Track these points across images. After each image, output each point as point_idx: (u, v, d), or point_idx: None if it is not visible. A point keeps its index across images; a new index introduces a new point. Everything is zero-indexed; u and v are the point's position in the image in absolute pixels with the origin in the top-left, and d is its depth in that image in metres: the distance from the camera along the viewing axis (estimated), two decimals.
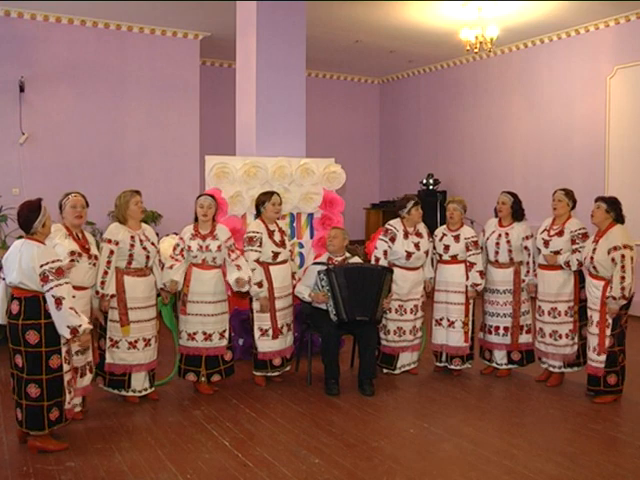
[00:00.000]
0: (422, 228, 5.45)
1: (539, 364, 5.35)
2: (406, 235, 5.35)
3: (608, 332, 4.69)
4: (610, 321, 4.68)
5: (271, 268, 5.13)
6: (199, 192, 7.06)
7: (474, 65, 10.15)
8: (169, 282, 4.81)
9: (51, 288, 3.69)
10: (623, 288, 4.55)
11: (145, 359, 4.73)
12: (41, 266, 3.69)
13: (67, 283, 3.78)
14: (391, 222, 5.46)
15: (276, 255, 5.14)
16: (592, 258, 4.70)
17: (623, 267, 4.56)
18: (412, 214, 5.36)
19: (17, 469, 3.68)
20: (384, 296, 5.03)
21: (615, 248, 4.59)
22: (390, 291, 5.13)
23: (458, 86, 10.45)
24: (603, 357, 4.72)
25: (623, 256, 4.56)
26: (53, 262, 3.73)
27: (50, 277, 3.69)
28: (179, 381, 5.14)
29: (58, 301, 3.70)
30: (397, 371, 5.48)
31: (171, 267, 4.84)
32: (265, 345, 5.16)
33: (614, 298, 4.58)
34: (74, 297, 3.82)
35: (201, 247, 4.87)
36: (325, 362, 5.03)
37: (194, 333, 4.92)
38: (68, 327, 3.72)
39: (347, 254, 5.39)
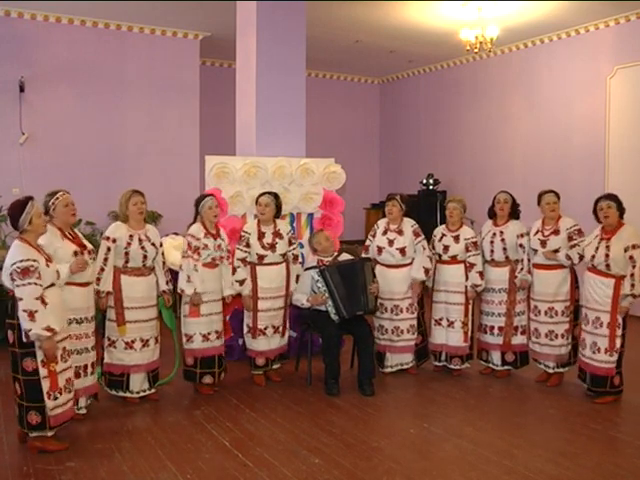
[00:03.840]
0: (407, 226, 5.39)
1: (535, 365, 5.35)
2: (385, 231, 5.41)
3: (619, 332, 4.69)
4: (620, 320, 4.68)
5: (258, 268, 5.15)
6: (199, 192, 7.06)
7: (474, 65, 10.15)
8: (197, 296, 4.81)
9: (16, 287, 3.67)
10: None
11: (143, 360, 4.71)
12: (11, 265, 3.68)
13: (32, 284, 3.66)
14: (380, 220, 5.61)
15: (261, 257, 5.14)
16: (607, 255, 4.67)
17: None
18: (386, 210, 5.44)
19: (17, 469, 3.68)
20: (369, 284, 5.10)
21: (634, 246, 4.61)
22: (374, 276, 5.21)
23: (458, 86, 10.45)
24: (615, 357, 4.71)
25: None
26: (21, 262, 3.67)
27: (14, 276, 3.66)
28: (179, 381, 5.14)
29: (17, 302, 3.68)
30: (386, 370, 5.48)
31: (195, 267, 4.81)
32: (248, 342, 5.24)
33: (634, 296, 4.60)
34: (38, 299, 3.67)
35: (215, 246, 4.90)
36: (326, 362, 5.04)
37: (208, 333, 4.93)
38: (24, 330, 3.68)
39: (335, 253, 5.41)
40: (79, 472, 3.65)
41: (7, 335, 3.83)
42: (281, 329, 5.30)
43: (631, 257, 4.60)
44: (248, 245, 5.12)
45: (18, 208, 3.78)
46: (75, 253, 4.15)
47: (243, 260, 5.12)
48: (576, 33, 8.51)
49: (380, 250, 5.39)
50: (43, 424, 3.82)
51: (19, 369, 3.79)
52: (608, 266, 4.69)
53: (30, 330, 3.66)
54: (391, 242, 5.36)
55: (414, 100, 11.39)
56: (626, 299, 4.63)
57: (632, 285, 4.60)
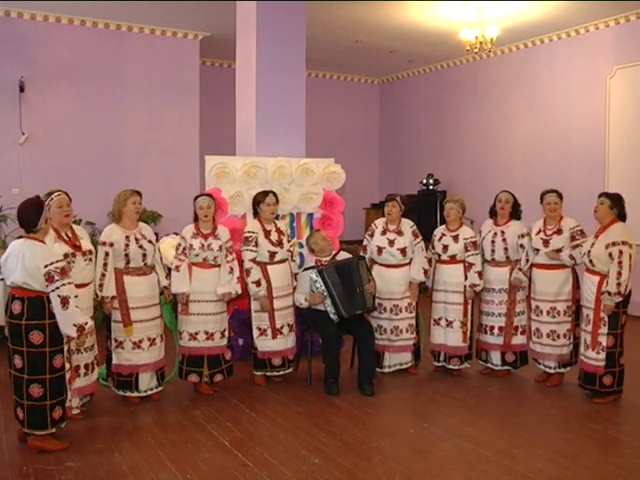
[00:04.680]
0: (406, 226, 5.42)
1: (534, 365, 5.35)
2: (384, 231, 5.41)
3: (605, 330, 4.68)
4: (606, 319, 4.68)
5: (269, 268, 5.14)
6: (199, 192, 7.06)
7: (474, 65, 10.15)
8: (180, 295, 4.83)
9: (57, 288, 3.70)
10: (619, 284, 4.54)
11: (151, 358, 4.74)
12: (45, 266, 3.69)
13: (70, 283, 3.79)
14: (376, 220, 5.60)
15: (273, 255, 5.14)
16: (589, 252, 4.72)
17: (620, 263, 4.55)
18: (386, 210, 5.43)
19: (17, 469, 3.68)
20: (365, 283, 5.08)
21: (613, 243, 4.59)
22: (370, 275, 5.19)
23: (458, 86, 10.45)
24: (602, 355, 4.71)
25: (621, 252, 4.56)
26: (57, 262, 3.75)
27: (55, 277, 3.70)
28: (179, 381, 5.14)
29: (65, 300, 3.71)
30: (386, 370, 5.47)
31: (177, 268, 4.83)
32: (264, 344, 5.17)
33: (609, 293, 4.58)
34: (76, 296, 3.83)
35: (203, 246, 4.88)
36: (326, 362, 5.04)
37: (196, 333, 4.93)
38: (75, 325, 3.74)
39: (333, 252, 5.41)
40: (79, 472, 3.65)
41: (28, 337, 3.76)
42: (294, 327, 5.32)
43: (610, 254, 4.60)
44: (257, 244, 5.11)
45: (34, 208, 3.80)
46: (65, 256, 4.10)
47: (254, 260, 5.10)
48: (576, 33, 8.51)
49: (380, 250, 5.38)
50: (63, 416, 3.94)
51: (47, 368, 3.81)
52: (592, 262, 4.71)
53: (87, 323, 3.80)
54: (391, 242, 5.36)
55: (414, 100, 11.39)
56: (603, 296, 4.63)
57: (606, 282, 4.61)
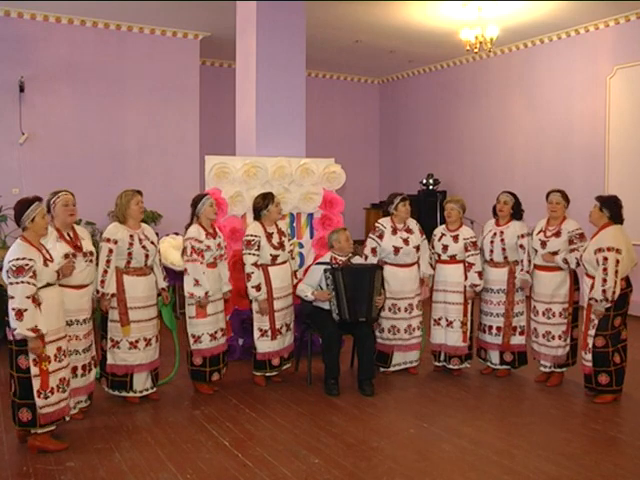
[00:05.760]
0: (413, 224, 5.47)
1: (534, 365, 5.36)
2: (394, 231, 5.39)
3: (592, 331, 4.70)
4: (596, 321, 4.69)
5: (270, 269, 5.14)
6: (199, 192, 7.06)
7: (474, 65, 10.15)
8: (204, 298, 4.79)
9: (9, 285, 3.69)
10: (604, 291, 4.54)
11: (146, 359, 4.72)
12: (8, 262, 3.70)
13: (24, 283, 3.67)
14: (380, 220, 5.54)
15: (274, 258, 5.14)
16: (581, 256, 4.75)
17: (605, 269, 4.53)
18: (399, 210, 5.39)
19: (17, 469, 3.69)
20: (376, 294, 5.05)
21: (600, 249, 4.58)
22: (383, 288, 5.15)
23: (458, 86, 10.45)
24: (588, 356, 4.75)
25: (606, 259, 4.54)
26: (17, 260, 3.69)
27: (8, 274, 3.69)
28: (179, 381, 5.14)
29: (8, 298, 3.69)
30: (391, 369, 5.48)
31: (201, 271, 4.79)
32: (264, 345, 5.17)
33: (595, 300, 4.59)
34: (29, 298, 3.67)
35: (216, 245, 4.91)
36: (326, 362, 5.03)
37: (215, 332, 4.95)
38: (11, 328, 3.71)
39: (350, 254, 5.40)
40: (79, 472, 3.65)
41: (6, 332, 3.85)
42: (292, 326, 5.35)
43: (597, 260, 4.60)
44: (259, 248, 5.09)
45: (24, 205, 3.82)
46: (66, 255, 4.10)
47: (255, 264, 5.08)
48: (576, 33, 8.51)
49: (397, 250, 5.34)
50: (33, 421, 3.84)
51: (14, 366, 3.82)
52: (584, 266, 4.73)
53: (15, 330, 3.68)
54: (406, 241, 5.36)
55: (414, 100, 11.39)
56: (590, 302, 4.65)
57: (591, 289, 4.64)
